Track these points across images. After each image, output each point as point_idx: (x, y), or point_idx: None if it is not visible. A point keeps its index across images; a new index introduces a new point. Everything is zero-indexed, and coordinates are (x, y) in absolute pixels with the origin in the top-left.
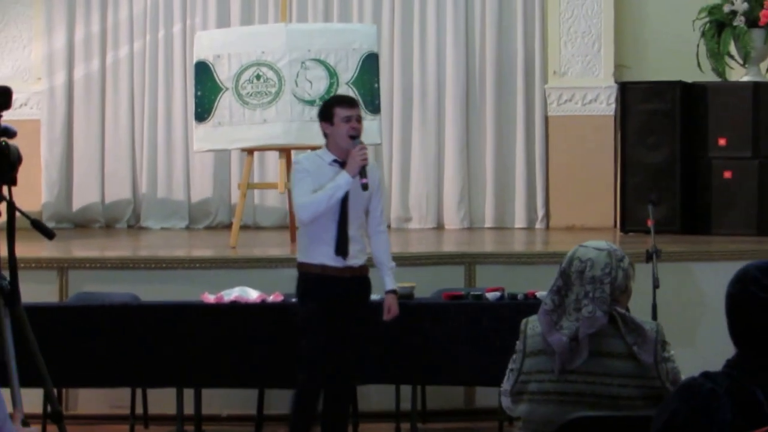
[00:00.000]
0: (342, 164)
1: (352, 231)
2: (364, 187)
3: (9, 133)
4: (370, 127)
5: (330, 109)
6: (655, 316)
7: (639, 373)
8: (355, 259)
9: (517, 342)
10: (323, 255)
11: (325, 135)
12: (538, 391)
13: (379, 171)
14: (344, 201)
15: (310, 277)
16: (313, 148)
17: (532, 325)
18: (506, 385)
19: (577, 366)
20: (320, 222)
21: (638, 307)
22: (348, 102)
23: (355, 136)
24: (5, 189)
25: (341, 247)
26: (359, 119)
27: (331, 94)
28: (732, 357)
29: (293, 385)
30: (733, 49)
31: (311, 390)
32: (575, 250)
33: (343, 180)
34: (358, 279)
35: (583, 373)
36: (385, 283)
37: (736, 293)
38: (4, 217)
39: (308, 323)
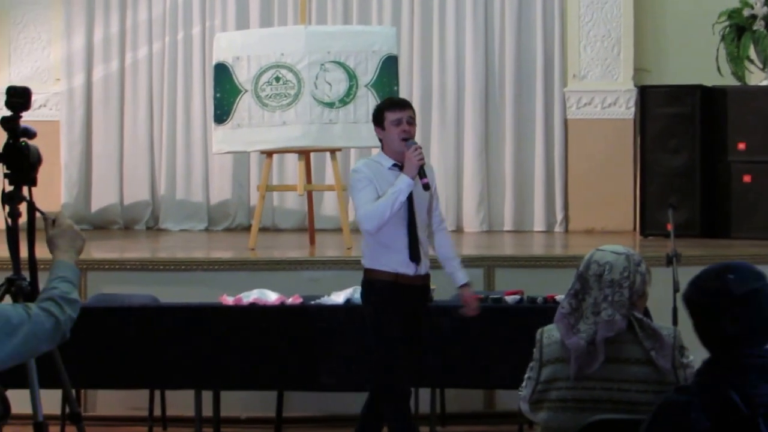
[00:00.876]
0: (401, 168)
1: (421, 234)
2: (426, 186)
3: (29, 133)
4: None
5: (380, 113)
6: (675, 320)
7: (657, 379)
8: (423, 266)
9: (534, 350)
10: (396, 262)
11: (380, 140)
12: (556, 398)
13: (433, 170)
14: (410, 205)
15: (382, 284)
16: (332, 151)
17: (548, 334)
18: (524, 392)
19: (595, 372)
20: (388, 228)
21: (658, 312)
22: (398, 104)
23: (407, 139)
24: (25, 189)
25: (414, 252)
26: (411, 121)
27: (351, 97)
28: (701, 365)
29: (313, 387)
30: (752, 53)
31: (397, 395)
32: (592, 254)
33: (404, 183)
34: (426, 287)
35: (601, 379)
36: (458, 278)
37: (687, 297)
38: (24, 218)
39: (384, 330)
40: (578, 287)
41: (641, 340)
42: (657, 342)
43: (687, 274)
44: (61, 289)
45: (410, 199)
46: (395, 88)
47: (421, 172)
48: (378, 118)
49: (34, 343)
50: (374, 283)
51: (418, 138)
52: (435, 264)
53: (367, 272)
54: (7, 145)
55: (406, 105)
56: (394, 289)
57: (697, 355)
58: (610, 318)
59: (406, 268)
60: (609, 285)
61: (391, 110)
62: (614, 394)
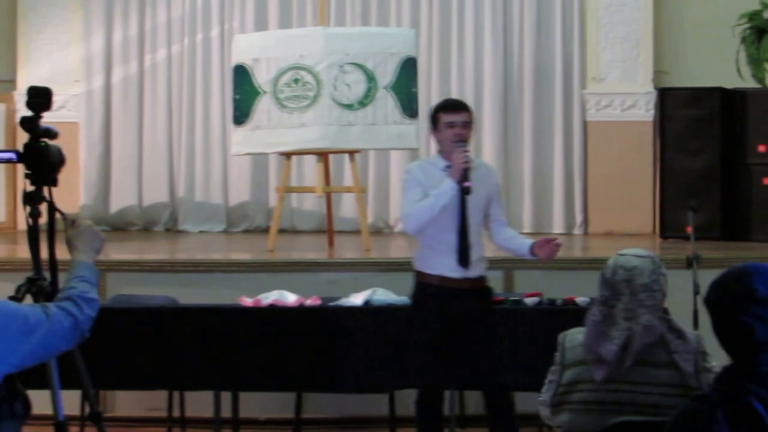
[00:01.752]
0: None
1: (473, 238)
2: (466, 190)
3: (50, 134)
4: (408, 131)
5: (435, 114)
6: (696, 322)
7: (680, 383)
8: (474, 269)
9: (556, 354)
10: (442, 265)
11: (437, 141)
12: (577, 401)
13: (496, 175)
14: (463, 207)
15: (428, 287)
16: (351, 152)
17: (571, 337)
18: (545, 396)
19: (618, 375)
20: (439, 230)
21: (678, 315)
22: (452, 107)
23: (458, 142)
24: (45, 190)
25: (463, 256)
26: (466, 124)
27: (369, 98)
28: (720, 372)
29: (331, 389)
30: None
31: (428, 397)
32: (616, 259)
33: (447, 186)
34: (477, 290)
35: (623, 382)
36: (525, 243)
37: (709, 299)
38: (45, 218)
39: (422, 332)
40: (607, 294)
41: (668, 341)
42: (683, 342)
43: (707, 277)
44: (79, 288)
45: (463, 201)
46: (414, 90)
47: (466, 176)
48: (433, 119)
49: (52, 343)
50: (420, 285)
51: (435, 140)
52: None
53: (416, 274)
54: (26, 146)
55: (461, 107)
56: (438, 292)
57: (718, 356)
58: (648, 323)
59: (452, 271)
60: (642, 290)
61: (446, 112)
62: (637, 397)
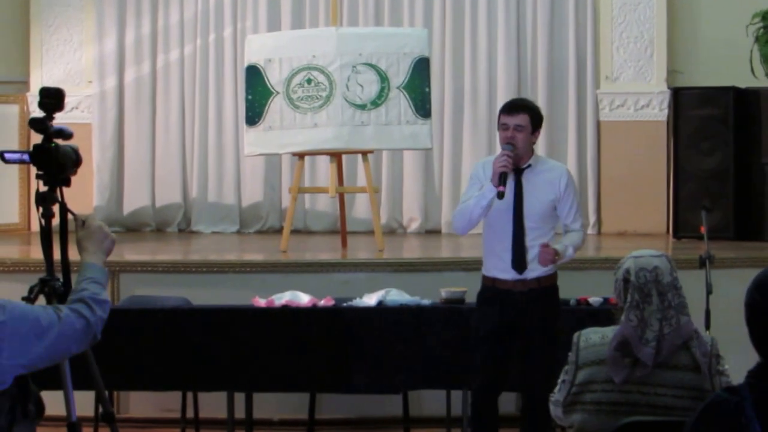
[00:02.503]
0: (515, 171)
1: (530, 241)
2: (499, 195)
3: (64, 134)
4: (421, 131)
5: (498, 115)
6: (708, 322)
7: (695, 385)
8: (530, 271)
9: (570, 354)
10: (495, 267)
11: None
12: (590, 401)
13: (565, 177)
14: (518, 210)
15: (486, 290)
16: (364, 153)
17: (585, 337)
18: (558, 395)
19: (632, 377)
20: (493, 232)
21: (692, 313)
22: (508, 109)
23: (507, 144)
24: (57, 191)
25: (517, 260)
26: (519, 128)
27: (382, 99)
28: (754, 367)
29: (345, 389)
30: None
31: (480, 395)
32: (635, 262)
33: (488, 189)
34: (534, 291)
35: (637, 383)
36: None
37: (754, 301)
38: (57, 219)
39: (477, 331)
40: (638, 298)
41: (691, 344)
42: (699, 345)
43: (720, 277)
44: (90, 290)
45: (519, 204)
46: (427, 90)
47: (503, 180)
48: (497, 119)
49: (64, 345)
50: (481, 287)
51: (448, 140)
52: (466, 268)
53: (481, 277)
54: (36, 147)
55: (516, 110)
56: (492, 294)
57: (731, 356)
58: (678, 324)
59: (504, 273)
60: (668, 289)
61: (503, 113)
62: (650, 399)
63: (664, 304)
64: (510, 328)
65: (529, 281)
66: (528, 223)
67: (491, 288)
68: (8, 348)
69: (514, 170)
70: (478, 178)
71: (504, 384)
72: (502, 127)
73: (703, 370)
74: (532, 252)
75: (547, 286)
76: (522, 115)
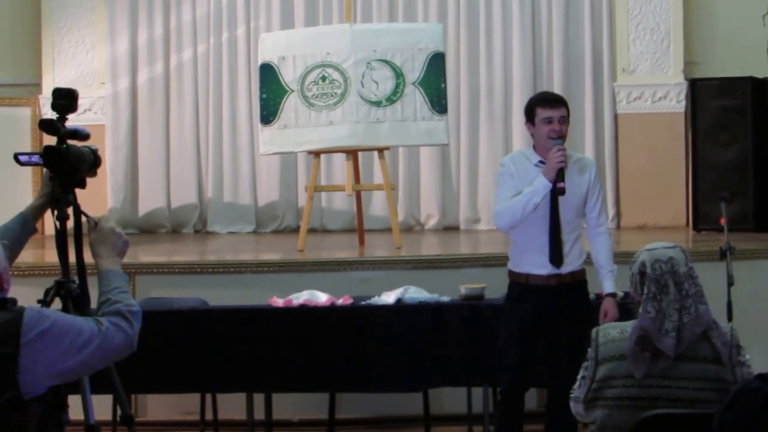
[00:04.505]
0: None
1: (565, 235)
2: (560, 191)
3: (79, 135)
4: (437, 127)
5: (532, 108)
6: (730, 314)
7: (716, 376)
8: (568, 266)
9: (589, 350)
10: (529, 263)
11: (531, 135)
12: (612, 397)
13: (593, 169)
14: (554, 205)
15: (517, 286)
16: (380, 150)
17: (604, 332)
18: (578, 392)
19: (653, 370)
20: (528, 228)
21: (712, 305)
22: (550, 101)
23: (557, 138)
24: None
25: (556, 255)
26: (563, 120)
27: (398, 95)
28: None
29: (365, 389)
30: None
31: (510, 394)
32: (649, 254)
33: (541, 185)
34: (568, 286)
35: (658, 377)
36: (604, 286)
37: None
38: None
39: (508, 330)
40: (655, 290)
41: (711, 334)
42: (719, 336)
43: (741, 268)
44: (124, 302)
45: (554, 199)
46: (442, 85)
47: (560, 175)
48: (529, 113)
49: (102, 357)
50: (511, 284)
51: (465, 136)
52: (484, 264)
53: (508, 273)
54: (46, 148)
55: (559, 102)
56: (524, 291)
57: (753, 347)
58: (698, 312)
59: (539, 269)
60: (685, 279)
61: (543, 106)
62: (672, 392)
63: (681, 293)
64: (540, 325)
65: (564, 275)
66: (564, 217)
67: (524, 285)
68: (46, 358)
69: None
70: (510, 174)
71: (531, 381)
72: (546, 120)
73: (724, 360)
74: (567, 246)
75: (580, 280)
76: (564, 108)
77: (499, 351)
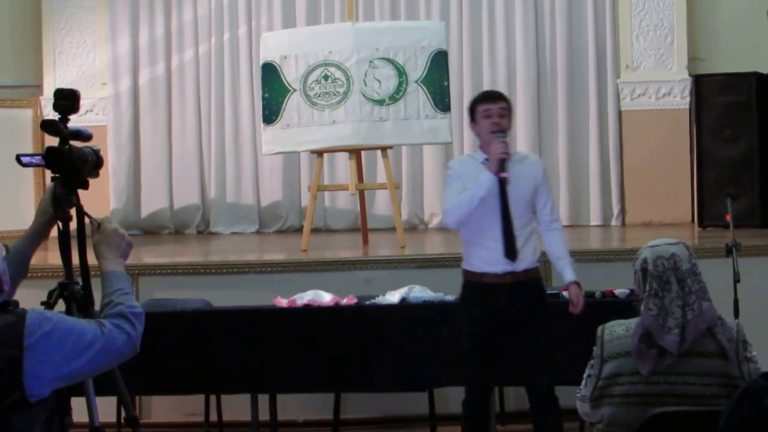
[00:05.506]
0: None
1: (517, 230)
2: (504, 181)
3: (82, 135)
4: (441, 125)
5: (473, 107)
6: (736, 311)
7: (722, 372)
8: (519, 263)
9: (594, 348)
10: (483, 261)
11: (477, 135)
12: (618, 394)
13: (542, 165)
14: (504, 198)
15: (472, 286)
16: (383, 148)
17: (609, 330)
18: (584, 391)
19: (659, 367)
20: (479, 225)
21: (718, 303)
22: (487, 97)
23: (496, 132)
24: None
25: (510, 247)
26: (503, 112)
27: (401, 93)
28: None
29: (370, 388)
30: None
31: (473, 394)
32: (651, 251)
33: (485, 178)
34: (522, 284)
35: (665, 373)
36: (565, 276)
37: None
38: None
39: (467, 330)
40: (656, 286)
41: (716, 330)
42: (725, 332)
43: (747, 265)
44: (127, 304)
45: (503, 194)
46: (445, 83)
47: (503, 167)
48: (471, 112)
49: (105, 359)
50: (465, 284)
51: (468, 134)
52: None
53: (462, 273)
54: (48, 149)
55: (497, 97)
56: (478, 289)
57: (759, 344)
58: (702, 308)
59: (494, 266)
60: (688, 275)
61: (482, 102)
62: (678, 388)
63: (684, 290)
64: (499, 323)
65: (518, 273)
66: (514, 211)
67: (478, 284)
68: (50, 361)
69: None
70: (457, 176)
71: (494, 379)
72: (485, 113)
73: (730, 356)
74: (520, 242)
75: (535, 277)
76: (503, 102)
77: (460, 351)
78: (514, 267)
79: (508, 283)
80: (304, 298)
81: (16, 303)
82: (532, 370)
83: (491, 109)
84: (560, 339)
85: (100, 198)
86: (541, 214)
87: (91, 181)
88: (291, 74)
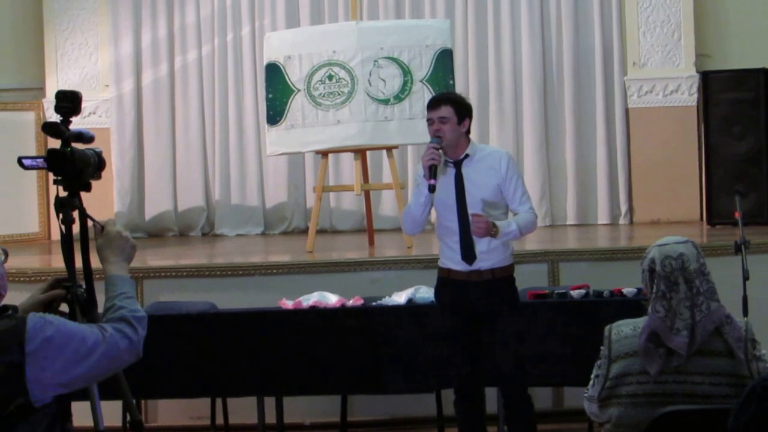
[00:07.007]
0: (454, 164)
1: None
2: (431, 189)
3: (84, 137)
4: None
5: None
6: (745, 310)
7: (731, 371)
8: (483, 261)
9: (602, 348)
10: (448, 259)
11: None
12: (626, 394)
13: (507, 156)
14: (461, 201)
15: (441, 282)
16: (388, 148)
17: (617, 329)
18: (592, 391)
19: (668, 366)
20: (443, 225)
21: (728, 301)
22: (429, 104)
23: (434, 138)
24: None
25: (466, 251)
26: (442, 120)
27: (406, 93)
28: None
29: (377, 390)
30: None
31: (462, 389)
32: (659, 251)
33: (421, 185)
34: (489, 282)
35: (673, 372)
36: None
37: None
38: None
39: (442, 328)
40: (664, 288)
41: (723, 330)
42: (733, 330)
43: (756, 262)
44: (129, 308)
45: (462, 196)
46: (451, 82)
47: (433, 173)
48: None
49: (107, 364)
50: (438, 280)
51: (475, 133)
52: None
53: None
54: (49, 151)
55: (437, 103)
56: (448, 286)
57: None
58: (710, 309)
59: (458, 265)
60: (696, 275)
61: (427, 109)
62: (687, 387)
63: (692, 291)
64: (469, 320)
65: (483, 272)
66: (475, 212)
67: (446, 279)
68: (51, 367)
69: (453, 163)
70: (417, 182)
71: (482, 377)
72: (429, 122)
73: (738, 355)
74: (482, 243)
75: (503, 277)
76: (444, 108)
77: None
78: (478, 266)
79: (474, 281)
80: (309, 299)
81: (15, 308)
82: (499, 370)
83: (432, 116)
84: (566, 339)
85: (104, 201)
86: (511, 202)
87: (95, 184)
88: (295, 74)
